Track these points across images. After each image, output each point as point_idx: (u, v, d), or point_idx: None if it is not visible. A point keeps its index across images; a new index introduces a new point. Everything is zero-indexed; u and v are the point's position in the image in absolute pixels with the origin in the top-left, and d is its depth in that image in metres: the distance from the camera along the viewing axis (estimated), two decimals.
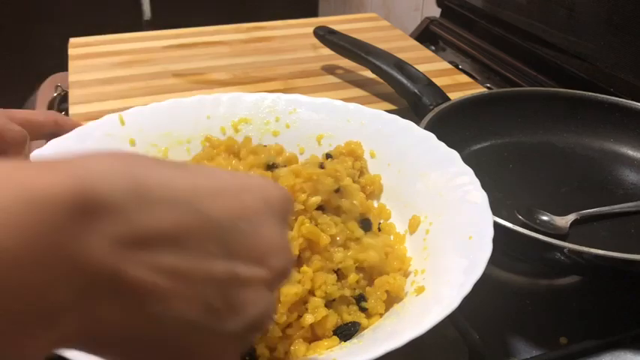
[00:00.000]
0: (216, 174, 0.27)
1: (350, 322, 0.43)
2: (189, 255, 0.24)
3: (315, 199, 0.46)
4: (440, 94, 0.70)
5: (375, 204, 0.55)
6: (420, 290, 0.43)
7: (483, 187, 0.48)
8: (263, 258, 0.27)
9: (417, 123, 0.58)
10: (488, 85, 0.89)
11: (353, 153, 0.57)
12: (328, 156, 0.57)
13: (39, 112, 0.57)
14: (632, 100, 0.69)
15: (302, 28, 1.00)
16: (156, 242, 0.23)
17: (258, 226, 0.27)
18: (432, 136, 0.55)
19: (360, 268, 0.46)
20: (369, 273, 0.46)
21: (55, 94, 0.82)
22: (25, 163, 0.21)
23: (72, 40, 0.91)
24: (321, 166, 0.51)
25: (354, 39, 0.81)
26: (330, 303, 0.43)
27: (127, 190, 0.22)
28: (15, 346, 0.20)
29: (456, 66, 0.93)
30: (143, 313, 0.23)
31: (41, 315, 0.20)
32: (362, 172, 0.56)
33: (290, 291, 0.41)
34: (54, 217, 0.20)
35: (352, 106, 0.61)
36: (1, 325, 0.19)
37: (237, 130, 0.59)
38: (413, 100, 0.70)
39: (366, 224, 0.49)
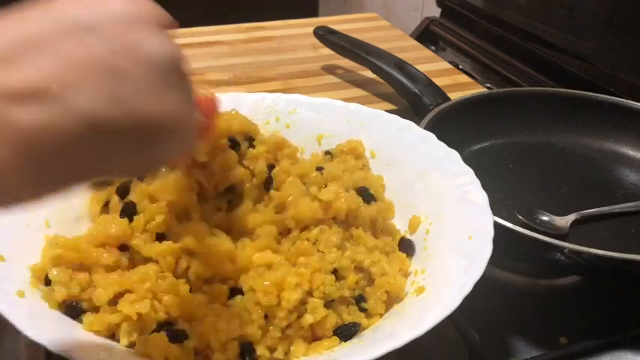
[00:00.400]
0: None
1: (350, 323, 0.43)
2: (58, 47, 0.26)
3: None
4: (440, 94, 0.70)
5: None
6: (420, 290, 0.43)
7: (483, 187, 0.48)
8: (121, 13, 0.28)
9: (417, 123, 0.58)
10: (488, 85, 0.89)
11: (354, 151, 0.57)
12: (327, 153, 0.57)
13: None
14: (632, 100, 0.69)
15: (302, 28, 1.00)
16: (16, 54, 0.25)
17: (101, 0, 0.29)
18: (432, 136, 0.55)
19: (359, 269, 0.46)
20: (369, 273, 0.46)
21: None
22: None
23: None
24: (320, 168, 0.51)
25: (354, 39, 0.81)
26: (329, 303, 0.43)
27: None
28: None
29: (456, 66, 0.93)
30: (62, 112, 0.25)
31: None
32: (363, 171, 0.56)
33: (291, 297, 0.41)
34: None
35: (352, 106, 0.61)
36: None
37: None
38: (413, 100, 0.70)
39: (406, 245, 0.49)
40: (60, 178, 0.27)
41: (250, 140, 0.53)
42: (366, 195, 0.50)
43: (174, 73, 0.30)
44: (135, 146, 0.29)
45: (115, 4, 0.29)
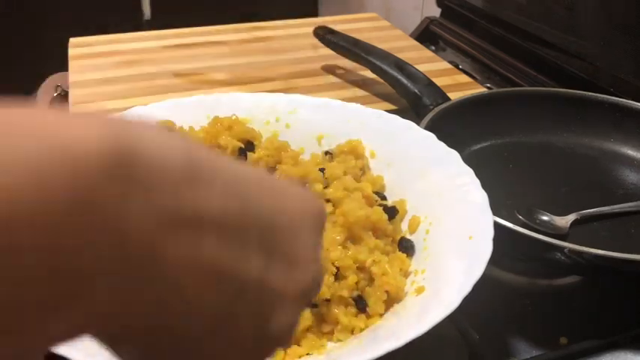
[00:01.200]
0: (258, 170, 0.26)
1: None
2: (229, 243, 0.22)
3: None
4: (440, 94, 0.70)
5: None
6: (420, 290, 0.43)
7: (483, 187, 0.48)
8: (298, 263, 0.25)
9: (417, 123, 0.58)
10: (488, 85, 0.89)
11: (354, 151, 0.57)
12: (327, 153, 0.57)
13: None
14: (633, 100, 0.69)
15: (302, 28, 1.00)
16: (200, 225, 0.21)
17: (298, 230, 0.25)
18: (432, 136, 0.55)
19: (360, 268, 0.46)
20: (370, 273, 0.46)
21: (55, 94, 0.82)
22: (56, 112, 0.19)
23: (72, 40, 0.91)
24: (322, 169, 0.51)
25: (354, 39, 0.81)
26: (325, 302, 0.43)
27: (181, 162, 0.20)
28: (37, 325, 0.18)
29: (456, 66, 0.93)
30: (172, 304, 0.21)
31: (68, 289, 0.18)
32: (364, 170, 0.56)
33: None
34: (88, 172, 0.17)
35: (352, 106, 0.61)
36: (26, 295, 0.17)
37: None
38: (413, 100, 0.70)
39: (406, 244, 0.49)
40: None
41: (251, 145, 0.53)
42: (391, 212, 0.50)
43: (272, 349, 0.26)
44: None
45: (302, 249, 0.25)
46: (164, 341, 0.22)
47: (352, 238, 0.47)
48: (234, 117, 0.56)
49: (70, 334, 0.20)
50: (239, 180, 0.23)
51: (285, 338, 0.26)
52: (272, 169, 0.52)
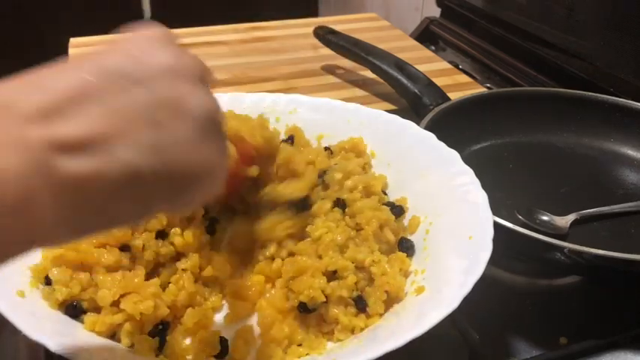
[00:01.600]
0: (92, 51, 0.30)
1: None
2: (106, 99, 0.27)
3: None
4: (440, 94, 0.70)
5: None
6: (420, 290, 0.43)
7: (483, 187, 0.48)
8: (167, 67, 0.30)
9: (417, 123, 0.58)
10: (488, 85, 0.89)
11: (355, 148, 0.57)
12: (326, 149, 0.57)
13: None
14: (632, 100, 0.69)
15: (302, 28, 1.00)
16: (66, 107, 0.25)
17: (149, 53, 0.30)
18: (432, 136, 0.55)
19: (360, 268, 0.45)
20: (369, 273, 0.46)
21: None
22: None
23: (72, 40, 0.91)
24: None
25: (354, 39, 0.81)
26: (321, 304, 0.43)
27: (35, 108, 0.25)
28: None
29: (456, 66, 0.93)
30: (108, 162, 0.26)
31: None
32: (365, 169, 0.56)
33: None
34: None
35: (352, 106, 0.61)
36: None
37: None
38: (413, 100, 0.70)
39: (406, 244, 0.49)
40: (97, 222, 0.28)
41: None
42: (397, 211, 0.51)
43: (211, 126, 0.31)
44: (171, 192, 0.30)
45: (163, 58, 0.30)
46: (129, 196, 0.27)
47: (358, 238, 0.47)
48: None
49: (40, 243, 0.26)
50: (71, 67, 0.28)
51: (215, 115, 0.31)
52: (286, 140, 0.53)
